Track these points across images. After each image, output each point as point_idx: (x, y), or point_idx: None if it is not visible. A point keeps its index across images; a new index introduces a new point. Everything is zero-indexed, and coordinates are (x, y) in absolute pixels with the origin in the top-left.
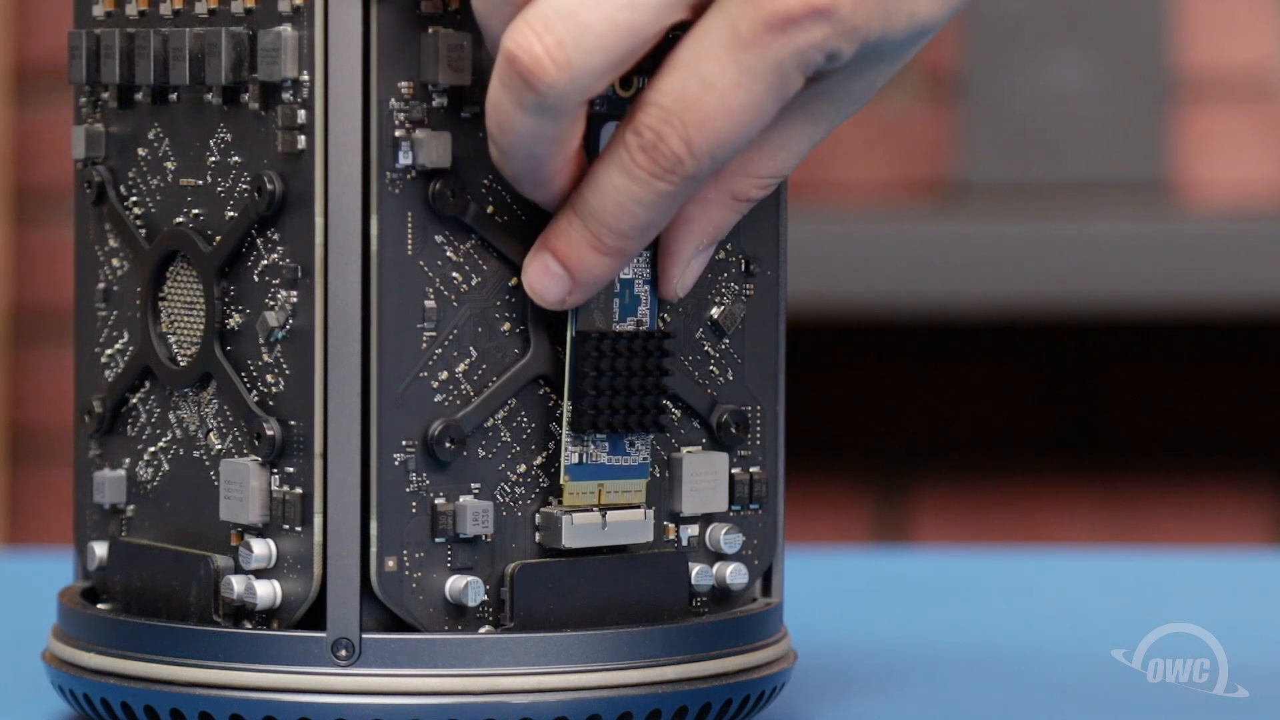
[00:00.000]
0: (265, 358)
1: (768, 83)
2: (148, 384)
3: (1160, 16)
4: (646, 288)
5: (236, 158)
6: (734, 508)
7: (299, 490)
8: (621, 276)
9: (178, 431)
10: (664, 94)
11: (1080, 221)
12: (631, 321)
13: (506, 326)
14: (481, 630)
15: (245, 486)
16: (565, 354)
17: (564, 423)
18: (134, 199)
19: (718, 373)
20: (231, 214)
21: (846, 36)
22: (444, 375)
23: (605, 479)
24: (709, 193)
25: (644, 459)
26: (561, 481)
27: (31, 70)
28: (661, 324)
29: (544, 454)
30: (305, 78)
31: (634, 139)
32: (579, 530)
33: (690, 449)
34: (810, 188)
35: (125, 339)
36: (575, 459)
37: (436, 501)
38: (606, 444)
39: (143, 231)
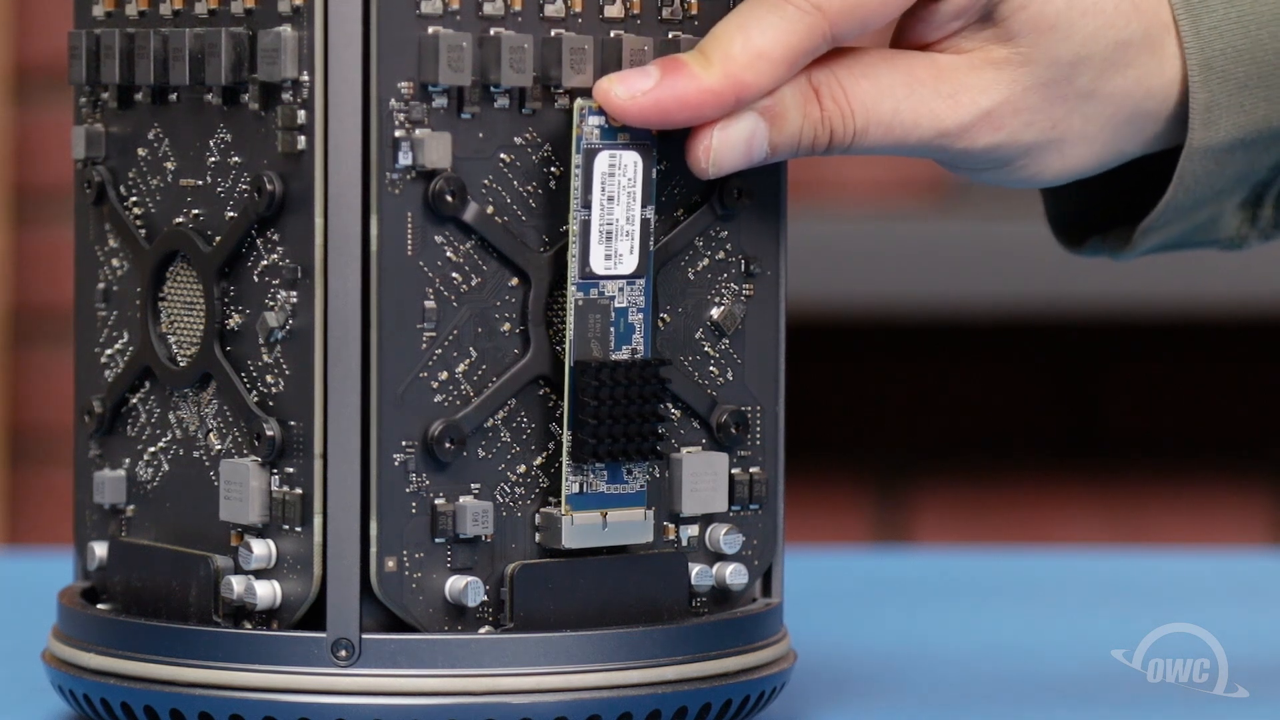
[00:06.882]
0: (265, 358)
1: None
2: (148, 384)
3: None
4: (640, 315)
5: (236, 158)
6: (734, 508)
7: (299, 490)
8: (616, 305)
9: (178, 432)
10: None
11: None
12: (626, 350)
13: (506, 326)
14: (481, 630)
15: (245, 487)
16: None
17: (564, 453)
18: (134, 199)
19: (718, 373)
20: (231, 214)
21: None
22: (444, 375)
23: (605, 508)
24: None
25: (641, 487)
26: (563, 511)
27: (31, 70)
28: (662, 324)
29: (544, 454)
30: (305, 78)
31: None
32: (579, 530)
33: (690, 449)
34: (810, 188)
35: (125, 339)
36: (575, 489)
37: (436, 502)
38: (605, 473)
39: (143, 231)
